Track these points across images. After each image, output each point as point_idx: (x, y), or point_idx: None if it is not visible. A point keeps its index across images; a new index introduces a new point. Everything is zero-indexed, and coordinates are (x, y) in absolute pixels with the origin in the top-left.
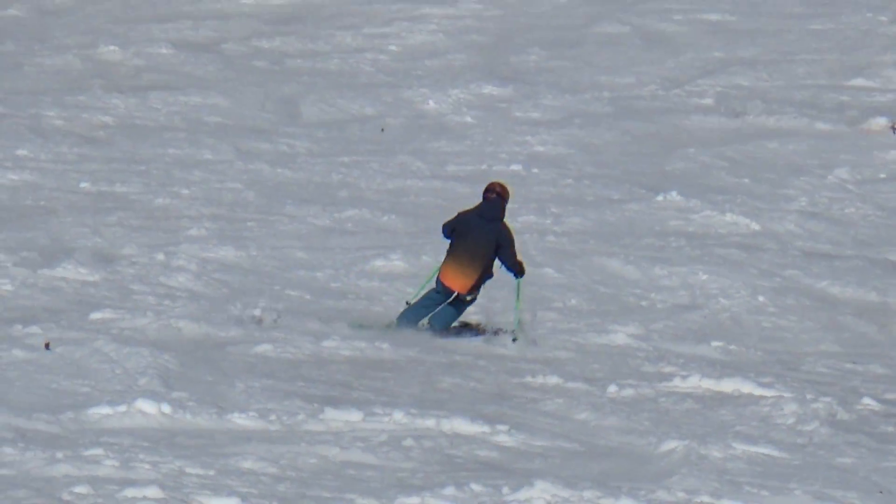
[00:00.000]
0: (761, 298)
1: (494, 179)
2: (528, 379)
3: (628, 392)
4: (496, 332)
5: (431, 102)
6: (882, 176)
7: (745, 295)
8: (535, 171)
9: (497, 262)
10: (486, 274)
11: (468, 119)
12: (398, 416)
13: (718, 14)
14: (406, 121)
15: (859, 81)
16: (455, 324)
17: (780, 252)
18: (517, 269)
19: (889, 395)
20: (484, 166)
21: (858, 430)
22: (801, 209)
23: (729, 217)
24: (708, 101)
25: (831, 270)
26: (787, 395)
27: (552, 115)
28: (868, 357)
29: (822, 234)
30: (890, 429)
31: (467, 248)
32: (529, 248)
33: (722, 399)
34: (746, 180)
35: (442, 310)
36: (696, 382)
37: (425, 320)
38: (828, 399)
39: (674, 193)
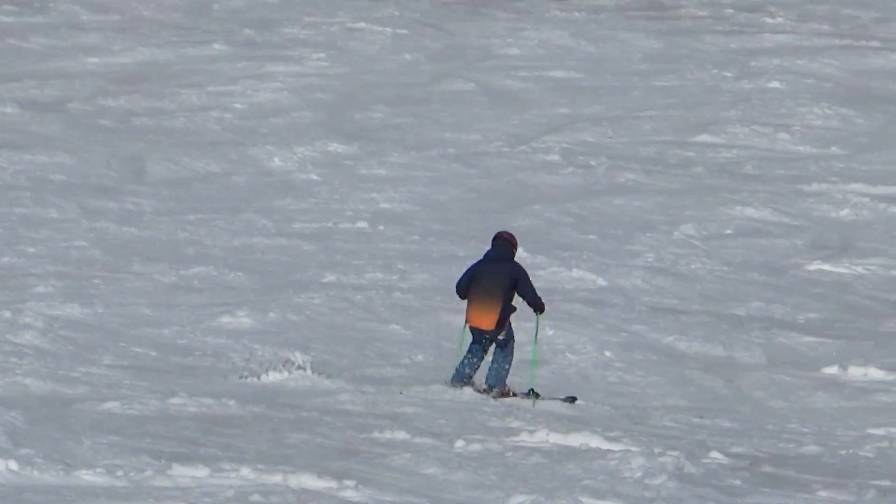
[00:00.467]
0: (608, 353)
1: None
2: (376, 434)
3: (475, 447)
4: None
5: (277, 160)
6: (728, 232)
7: (592, 350)
8: (381, 227)
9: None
10: (508, 308)
11: (314, 176)
12: (245, 471)
13: (563, 71)
14: (251, 178)
15: (704, 137)
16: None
17: (626, 307)
18: (538, 304)
19: (736, 449)
20: (330, 224)
21: (706, 484)
22: (647, 265)
23: (575, 273)
24: (554, 157)
25: (678, 325)
26: (634, 448)
27: (397, 171)
28: (715, 411)
29: (669, 289)
30: (737, 482)
31: (485, 288)
32: (376, 304)
33: (569, 453)
34: (593, 236)
35: (493, 367)
36: (544, 437)
37: (484, 384)
38: (675, 453)
39: (520, 250)
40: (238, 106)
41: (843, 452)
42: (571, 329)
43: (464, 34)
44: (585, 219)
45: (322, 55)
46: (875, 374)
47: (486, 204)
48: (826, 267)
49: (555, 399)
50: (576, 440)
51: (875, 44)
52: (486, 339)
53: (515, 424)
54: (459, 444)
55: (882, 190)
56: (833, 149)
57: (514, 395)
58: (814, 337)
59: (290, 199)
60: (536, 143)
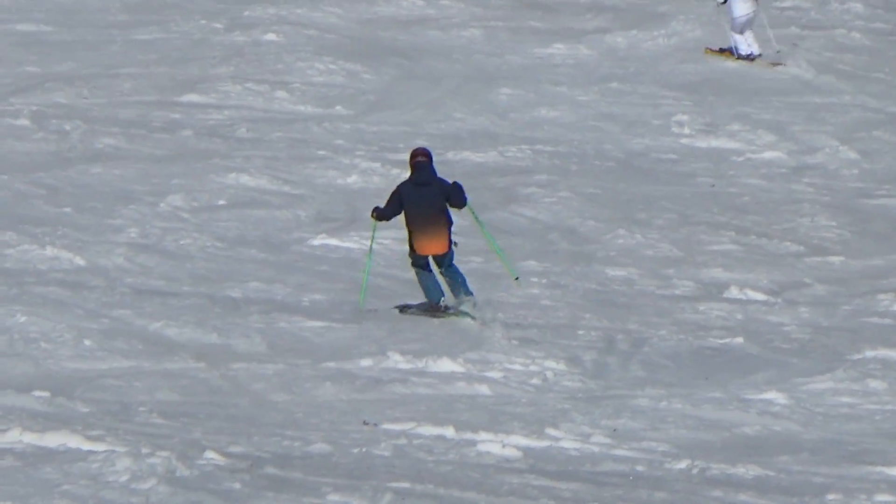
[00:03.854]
0: (88, 342)
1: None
2: None
3: None
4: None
5: None
6: (220, 203)
7: (70, 339)
8: None
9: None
10: (450, 223)
11: None
12: None
13: (31, 24)
14: None
15: (192, 97)
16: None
17: (108, 290)
18: (463, 202)
19: (234, 449)
20: None
21: (201, 488)
22: (130, 241)
23: (49, 251)
24: (23, 121)
25: (166, 310)
26: (119, 449)
27: None
28: (209, 406)
29: (156, 268)
30: (237, 485)
31: (425, 214)
32: None
33: (46, 455)
34: (68, 210)
35: (453, 283)
36: (17, 437)
37: (463, 297)
38: (166, 454)
39: None
40: None
41: (356, 451)
42: (46, 315)
43: None
44: (59, 190)
45: None
46: (390, 362)
47: None
48: (332, 241)
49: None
50: (53, 440)
51: None
52: (437, 261)
53: None
54: None
55: (392, 155)
56: (338, 108)
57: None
58: (320, 321)
59: None
60: (2, 105)
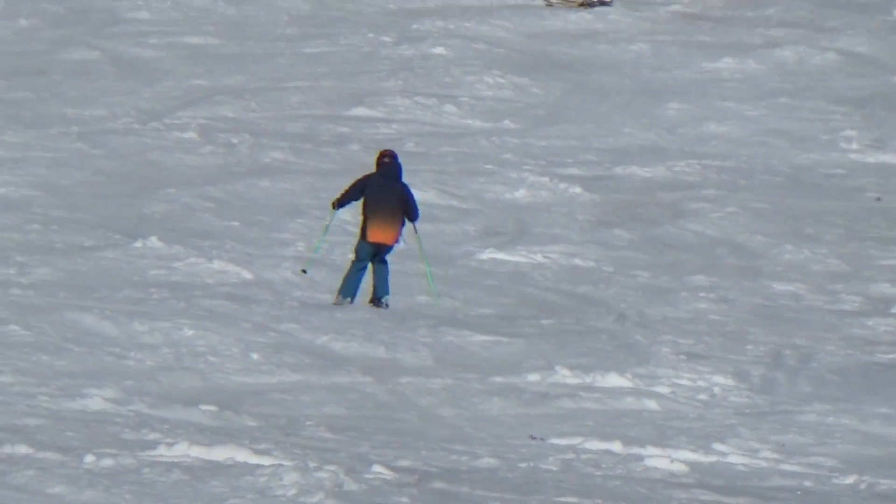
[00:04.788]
0: (255, 356)
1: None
2: None
3: (107, 462)
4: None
5: None
6: None
7: (237, 352)
8: None
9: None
10: (403, 222)
11: None
12: None
13: (200, 37)
14: None
15: (360, 111)
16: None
17: (275, 303)
18: (416, 215)
19: (402, 463)
20: None
21: (368, 502)
22: (297, 255)
23: (217, 265)
24: (190, 134)
25: (333, 323)
26: (286, 463)
27: (14, 152)
28: (376, 420)
29: (323, 282)
30: (404, 499)
31: (385, 207)
32: None
33: (214, 469)
34: (235, 223)
35: (378, 277)
36: (184, 450)
37: (372, 296)
38: (333, 468)
39: (153, 239)
40: None
41: (523, 465)
42: (214, 329)
43: None
44: (227, 203)
45: None
46: (557, 377)
47: (115, 188)
48: (500, 256)
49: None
50: (220, 454)
51: (553, 2)
52: (379, 252)
53: (152, 437)
54: (89, 459)
55: (561, 169)
56: (506, 122)
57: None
58: (488, 335)
59: None
60: (170, 118)
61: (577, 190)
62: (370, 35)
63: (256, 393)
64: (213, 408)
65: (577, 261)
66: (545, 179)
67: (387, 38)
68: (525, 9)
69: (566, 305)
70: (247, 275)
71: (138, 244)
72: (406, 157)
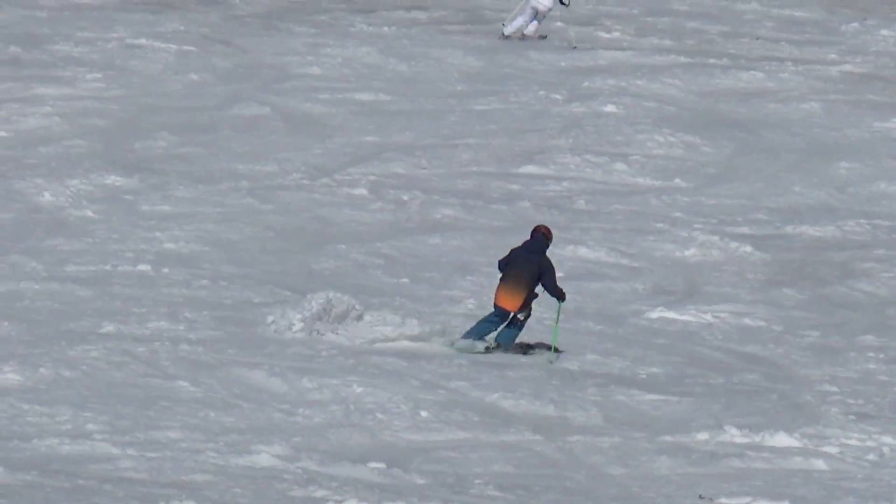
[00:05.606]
0: (424, 413)
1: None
2: None
3: None
4: (534, 347)
5: (47, 194)
6: (559, 275)
7: (406, 410)
8: (166, 270)
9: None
10: (532, 295)
11: (89, 213)
12: None
13: (371, 94)
14: (18, 216)
15: (530, 168)
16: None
17: (445, 360)
18: (558, 294)
19: None
20: (108, 266)
21: None
22: (468, 312)
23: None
24: (361, 191)
25: (503, 381)
26: None
27: (184, 207)
28: (545, 478)
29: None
30: None
31: (515, 274)
32: (161, 357)
33: None
34: (406, 280)
35: (504, 331)
36: None
37: (492, 338)
38: None
39: (324, 295)
40: (2, 134)
41: None
42: (383, 385)
43: (258, 51)
44: (397, 260)
45: (98, 75)
46: (726, 436)
47: (284, 244)
48: (670, 314)
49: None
50: None
51: (724, 61)
52: (505, 317)
53: (320, 494)
54: None
55: (731, 228)
56: (677, 181)
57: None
58: (657, 394)
59: (62, 238)
60: (341, 174)
61: (748, 249)
62: (541, 93)
63: (425, 451)
64: (381, 465)
65: (747, 320)
66: (715, 238)
67: (557, 96)
68: (696, 67)
69: (735, 365)
70: (419, 331)
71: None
72: (576, 216)
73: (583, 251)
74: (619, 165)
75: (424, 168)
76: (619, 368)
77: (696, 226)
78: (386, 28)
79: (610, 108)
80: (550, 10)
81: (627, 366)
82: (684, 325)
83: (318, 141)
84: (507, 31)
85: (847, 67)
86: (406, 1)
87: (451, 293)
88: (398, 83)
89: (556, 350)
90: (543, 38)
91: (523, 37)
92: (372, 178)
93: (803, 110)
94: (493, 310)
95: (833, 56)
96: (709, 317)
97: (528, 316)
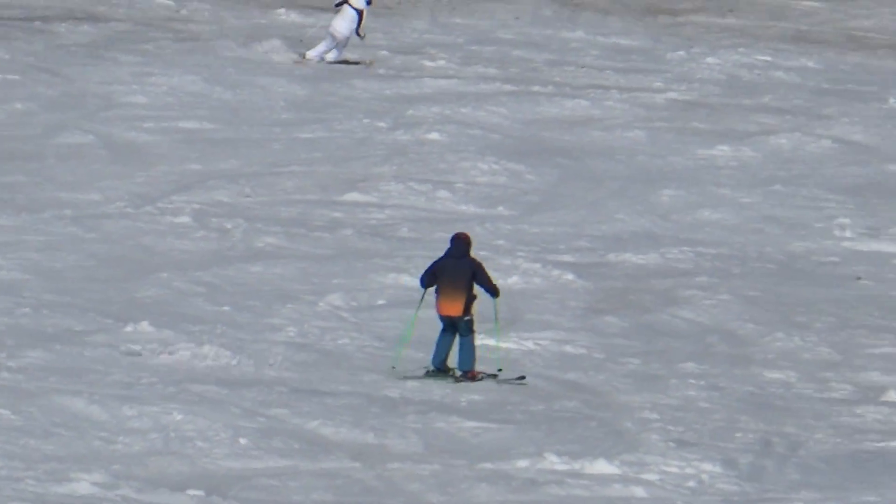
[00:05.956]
0: (244, 441)
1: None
2: None
3: None
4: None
5: None
6: (380, 302)
7: (226, 437)
8: None
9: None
10: (471, 296)
11: None
12: None
13: (195, 122)
14: None
15: (354, 196)
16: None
17: (265, 388)
18: (494, 289)
19: None
20: None
21: None
22: (288, 340)
23: (207, 349)
24: (184, 219)
25: (323, 409)
26: None
27: (7, 236)
28: None
29: (313, 366)
30: None
31: (450, 282)
32: None
33: None
34: (227, 308)
35: (461, 350)
36: None
37: (457, 372)
38: None
39: (145, 324)
40: None
41: None
42: (203, 413)
43: (83, 80)
44: (219, 288)
45: None
46: (546, 463)
47: (108, 272)
48: (490, 342)
49: (510, 381)
50: None
51: (549, 89)
52: (454, 324)
53: None
54: None
55: (554, 256)
56: (500, 208)
57: (481, 375)
58: (477, 421)
59: None
60: (164, 203)
61: (570, 277)
62: (365, 120)
63: (244, 478)
64: (200, 493)
65: (568, 347)
66: (538, 266)
67: (382, 124)
68: (521, 95)
69: (556, 392)
70: (236, 360)
71: (129, 328)
72: (399, 244)
73: (405, 279)
74: (443, 193)
75: (248, 196)
76: (440, 395)
77: (518, 253)
78: (212, 57)
79: (434, 135)
80: (348, 38)
81: (448, 393)
82: (506, 352)
83: (142, 169)
84: (309, 54)
85: (672, 95)
86: (232, 30)
87: (272, 321)
88: (223, 111)
89: (499, 370)
90: (356, 63)
91: (322, 60)
92: (195, 206)
93: (628, 138)
94: (442, 321)
95: (658, 84)
96: (530, 344)
97: (472, 321)
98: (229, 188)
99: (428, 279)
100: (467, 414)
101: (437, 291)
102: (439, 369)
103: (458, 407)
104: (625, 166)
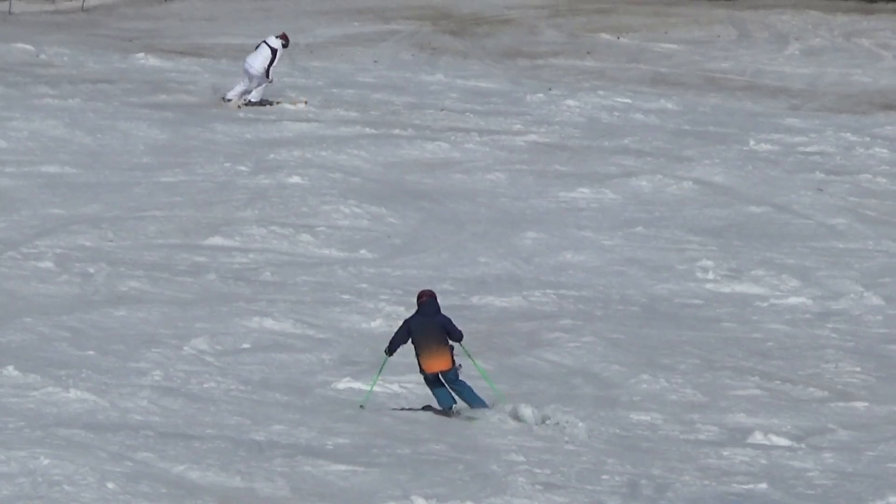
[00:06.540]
0: (111, 485)
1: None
2: None
3: None
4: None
5: None
6: (245, 346)
7: (93, 481)
8: None
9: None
10: (451, 348)
11: None
12: None
13: (57, 166)
14: None
15: (217, 240)
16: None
17: (131, 433)
18: (461, 337)
19: None
20: None
21: None
22: (154, 384)
23: (73, 394)
24: (47, 263)
25: (189, 453)
26: None
27: None
28: None
29: (180, 411)
30: None
31: (431, 340)
32: None
33: None
34: (92, 352)
35: (463, 393)
36: None
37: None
38: None
39: (10, 368)
40: None
41: None
42: (70, 457)
43: None
44: (83, 332)
45: None
46: None
47: None
48: (357, 385)
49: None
50: None
51: (409, 132)
52: (441, 378)
53: None
54: None
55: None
56: (363, 252)
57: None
58: (344, 465)
59: None
60: (27, 247)
61: None
62: (226, 164)
63: None
64: None
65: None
66: (401, 309)
67: (243, 168)
68: (382, 138)
69: (422, 435)
70: (103, 403)
71: None
72: (262, 287)
73: (269, 322)
74: (305, 237)
75: (111, 240)
76: (307, 439)
77: (381, 297)
78: (72, 100)
79: (295, 179)
80: (260, 77)
81: (315, 436)
82: (371, 395)
83: (4, 214)
84: (229, 95)
85: (532, 137)
86: (93, 74)
87: (137, 365)
88: (84, 156)
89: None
90: (270, 104)
91: (248, 103)
92: (58, 250)
93: (489, 181)
94: (428, 383)
95: (518, 126)
96: (396, 387)
97: (460, 365)
98: (91, 232)
99: (401, 341)
100: (334, 457)
101: (417, 353)
102: (450, 407)
103: (324, 450)
104: (486, 209)
